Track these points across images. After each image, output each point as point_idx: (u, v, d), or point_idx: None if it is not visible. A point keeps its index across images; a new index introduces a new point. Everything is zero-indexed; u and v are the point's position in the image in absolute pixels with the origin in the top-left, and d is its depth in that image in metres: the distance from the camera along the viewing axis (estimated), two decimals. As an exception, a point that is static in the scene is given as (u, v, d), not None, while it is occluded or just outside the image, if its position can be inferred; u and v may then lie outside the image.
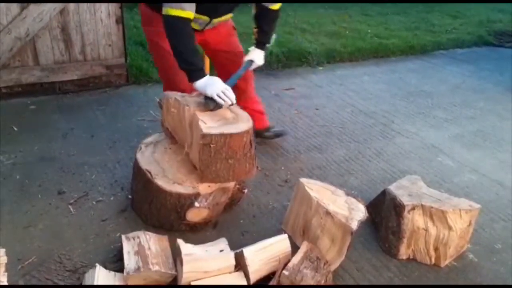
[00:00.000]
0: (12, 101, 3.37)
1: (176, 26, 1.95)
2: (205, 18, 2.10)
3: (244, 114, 2.06)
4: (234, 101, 2.01)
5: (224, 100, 1.99)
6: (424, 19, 6.82)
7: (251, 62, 2.45)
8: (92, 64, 3.61)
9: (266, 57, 2.56)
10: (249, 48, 2.51)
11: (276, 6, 2.40)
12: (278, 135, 2.99)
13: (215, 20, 2.23)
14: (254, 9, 2.45)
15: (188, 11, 1.93)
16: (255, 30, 2.50)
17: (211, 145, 1.89)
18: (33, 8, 3.22)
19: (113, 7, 3.49)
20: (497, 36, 6.25)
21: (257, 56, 2.46)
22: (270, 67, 4.46)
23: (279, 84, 4.16)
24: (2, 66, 3.29)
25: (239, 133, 1.92)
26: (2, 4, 3.14)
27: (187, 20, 1.94)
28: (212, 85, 1.99)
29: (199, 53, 2.00)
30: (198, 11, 2.05)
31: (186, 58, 2.00)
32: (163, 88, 2.54)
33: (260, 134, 2.87)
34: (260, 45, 2.48)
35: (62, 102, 3.46)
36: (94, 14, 3.46)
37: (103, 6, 3.46)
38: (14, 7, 3.19)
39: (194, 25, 2.17)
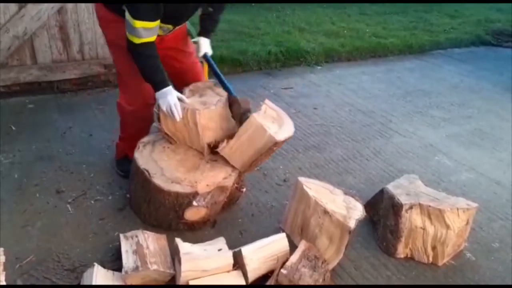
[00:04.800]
0: (10, 100, 3.36)
1: (141, 52, 1.99)
2: (169, 26, 2.16)
3: (284, 116, 2.22)
4: (178, 119, 2.05)
5: (173, 114, 2.04)
6: (422, 18, 6.82)
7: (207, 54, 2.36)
8: (91, 63, 3.60)
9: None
10: (193, 40, 2.38)
11: None
12: None
13: (177, 27, 2.27)
14: None
15: (150, 37, 1.96)
16: (203, 17, 2.34)
17: (274, 148, 2.05)
18: (31, 7, 3.21)
19: (111, 6, 3.49)
20: (495, 36, 6.25)
21: (209, 47, 2.37)
22: (268, 66, 4.46)
23: (277, 83, 4.16)
24: (0, 65, 3.29)
25: (288, 138, 2.08)
26: (0, 3, 3.13)
27: (149, 43, 1.97)
28: (163, 97, 2.05)
29: (163, 70, 2.07)
30: (164, 21, 2.07)
31: (151, 76, 2.06)
32: (120, 97, 2.36)
33: None
34: (207, 33, 2.37)
35: (60, 101, 3.45)
36: (92, 13, 3.45)
37: (101, 5, 3.46)
38: (12, 6, 3.18)
39: (159, 32, 2.14)
